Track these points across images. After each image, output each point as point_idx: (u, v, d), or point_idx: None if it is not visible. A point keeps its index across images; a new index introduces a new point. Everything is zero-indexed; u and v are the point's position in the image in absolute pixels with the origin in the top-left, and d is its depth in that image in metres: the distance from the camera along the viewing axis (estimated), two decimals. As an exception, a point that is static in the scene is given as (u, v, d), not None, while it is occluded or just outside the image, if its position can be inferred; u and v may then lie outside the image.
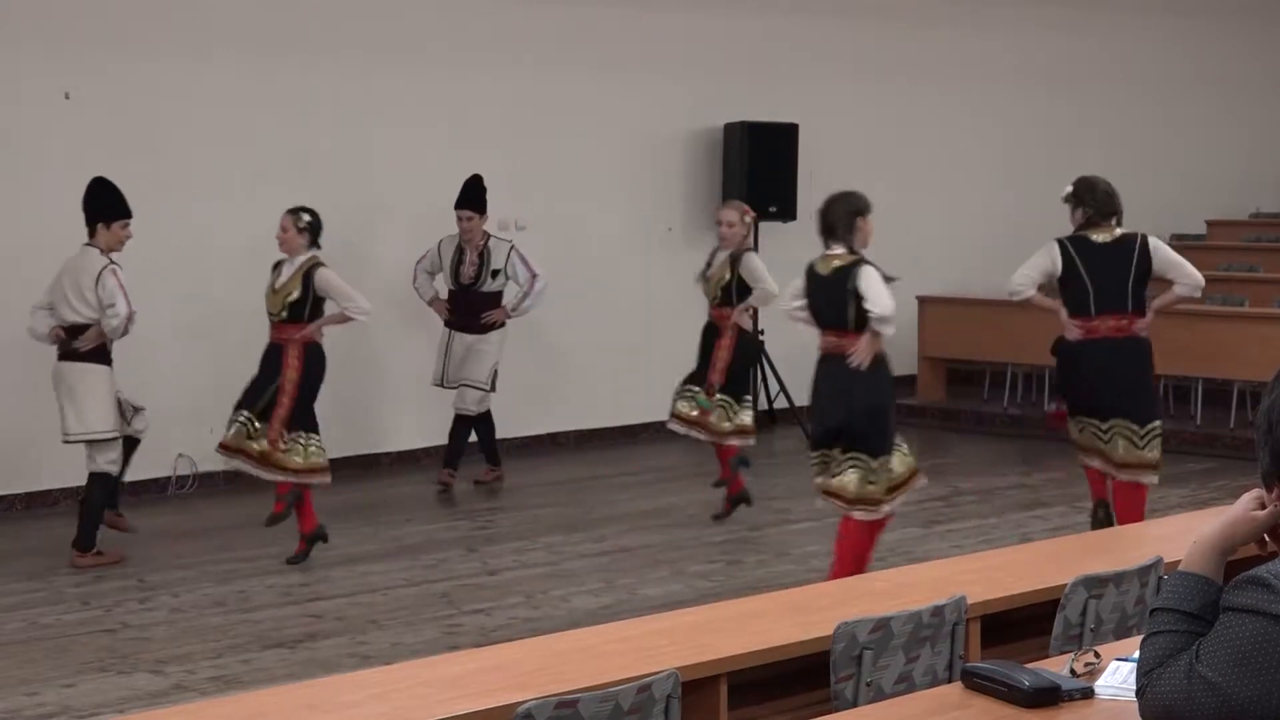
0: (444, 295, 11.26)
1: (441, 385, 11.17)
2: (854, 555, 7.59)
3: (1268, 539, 2.97)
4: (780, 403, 13.67)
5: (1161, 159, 16.63)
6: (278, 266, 9.18)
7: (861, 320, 7.45)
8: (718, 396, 9.84)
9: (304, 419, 9.04)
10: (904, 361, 14.71)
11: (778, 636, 4.70)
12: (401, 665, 5.14)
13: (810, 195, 13.57)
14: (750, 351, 10.12)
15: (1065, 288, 8.33)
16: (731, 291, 9.80)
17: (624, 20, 13.05)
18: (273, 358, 9.09)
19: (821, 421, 7.76)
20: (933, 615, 4.65)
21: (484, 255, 11.05)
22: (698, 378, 9.97)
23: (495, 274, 11.06)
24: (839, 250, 7.54)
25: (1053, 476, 11.53)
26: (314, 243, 9.11)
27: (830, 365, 7.64)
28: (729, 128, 13.47)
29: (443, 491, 11.06)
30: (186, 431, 11.10)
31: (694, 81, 13.41)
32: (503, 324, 11.13)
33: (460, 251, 11.08)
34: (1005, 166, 15.42)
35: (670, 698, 4.02)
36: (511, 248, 11.10)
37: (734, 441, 9.94)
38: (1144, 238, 8.23)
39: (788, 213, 13.50)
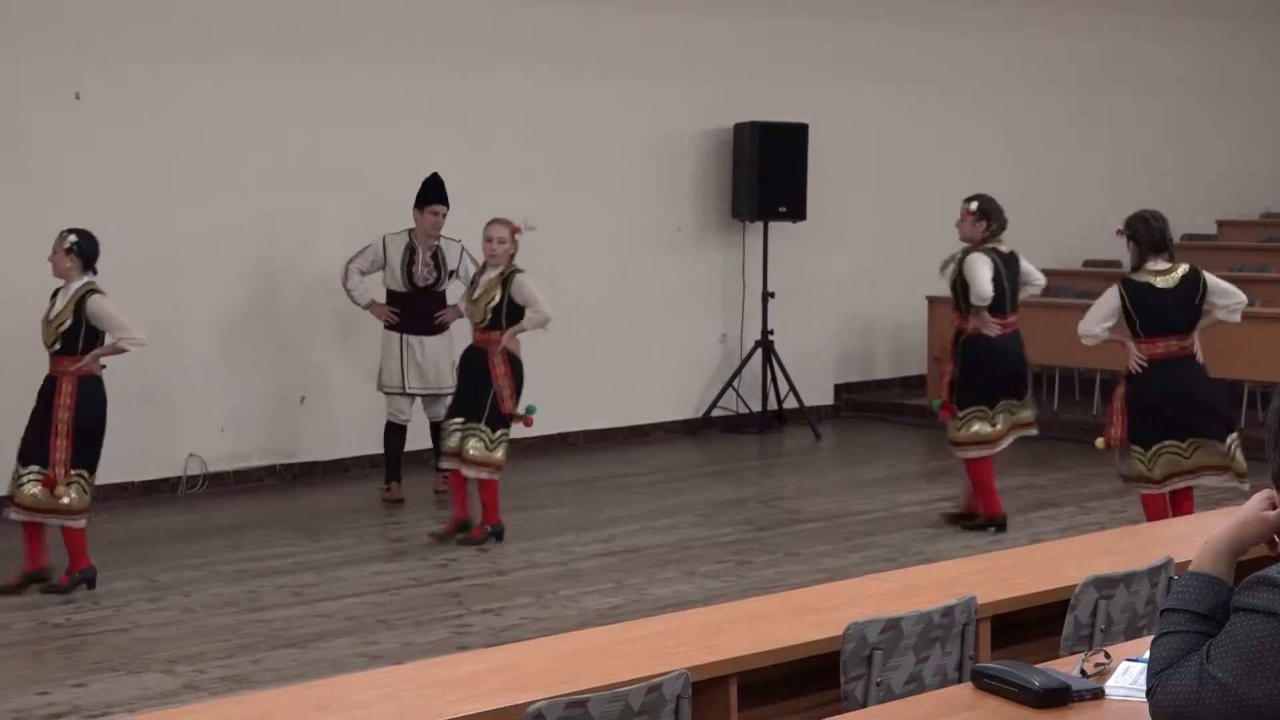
0: (380, 297, 10.75)
1: (402, 392, 10.71)
2: None
3: (1278, 540, 2.97)
4: (790, 403, 13.67)
5: (1172, 159, 16.61)
6: (56, 295, 8.57)
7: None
8: (479, 426, 9.31)
9: (86, 456, 8.41)
10: (914, 362, 14.74)
11: (787, 637, 4.70)
12: (411, 665, 5.15)
13: (821, 196, 13.62)
14: (520, 377, 9.45)
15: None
16: (501, 314, 9.30)
17: (634, 20, 13.05)
18: (46, 394, 8.44)
19: (1173, 416, 8.48)
20: (943, 616, 4.65)
21: (438, 256, 10.67)
22: (467, 409, 9.37)
23: (452, 274, 10.71)
24: (1167, 263, 8.39)
25: (1062, 477, 11.53)
26: (88, 267, 8.46)
27: (1173, 367, 8.43)
28: (739, 128, 13.47)
29: (440, 494, 10.99)
30: (197, 432, 11.12)
31: (704, 81, 13.41)
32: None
33: (411, 251, 10.66)
34: (1015, 166, 15.39)
35: (680, 698, 4.02)
36: (462, 248, 10.71)
37: (485, 475, 9.40)
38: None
39: (797, 213, 13.50)
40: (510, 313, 9.31)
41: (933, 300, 14.25)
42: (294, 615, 8.06)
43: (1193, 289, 8.42)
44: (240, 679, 6.99)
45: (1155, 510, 8.65)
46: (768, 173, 13.34)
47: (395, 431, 10.87)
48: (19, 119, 10.41)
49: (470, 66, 12.17)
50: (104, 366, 8.55)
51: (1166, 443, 8.51)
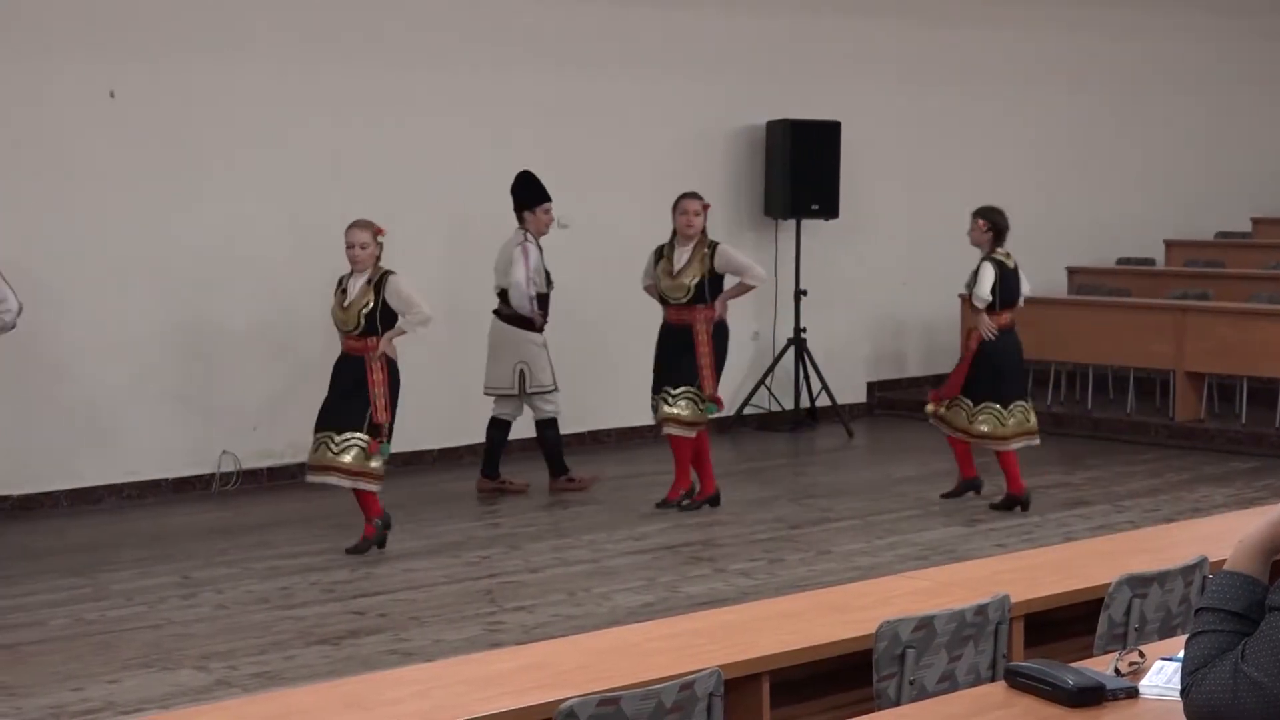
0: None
1: (556, 388, 10.88)
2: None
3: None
4: (822, 401, 13.64)
5: (1203, 157, 16.54)
6: None
7: None
8: (358, 435, 9.03)
9: None
10: (946, 360, 14.68)
11: (820, 635, 4.70)
12: (443, 662, 5.16)
13: (853, 193, 13.60)
14: (397, 384, 9.15)
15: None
16: (375, 319, 9.03)
17: (666, 18, 13.05)
18: None
19: (1016, 375, 10.23)
20: (976, 614, 4.64)
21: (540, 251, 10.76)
22: (341, 419, 9.06)
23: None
24: (1005, 250, 10.13)
25: (1094, 475, 11.49)
26: None
27: (1014, 335, 10.17)
28: (771, 125, 13.46)
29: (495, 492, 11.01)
30: (230, 429, 11.15)
31: (736, 79, 13.40)
32: None
33: (540, 251, 10.72)
34: (1045, 165, 15.37)
35: (713, 695, 4.02)
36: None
37: (363, 485, 9.13)
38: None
39: (830, 211, 13.48)
40: (384, 317, 9.06)
41: (964, 299, 14.21)
42: (326, 612, 8.08)
43: (1018, 272, 10.23)
44: (273, 676, 7.01)
45: (1014, 465, 10.11)
46: (800, 170, 13.33)
47: (551, 427, 10.98)
48: (54, 118, 10.45)
49: (500, 65, 12.18)
50: None
51: (1019, 402, 10.06)
